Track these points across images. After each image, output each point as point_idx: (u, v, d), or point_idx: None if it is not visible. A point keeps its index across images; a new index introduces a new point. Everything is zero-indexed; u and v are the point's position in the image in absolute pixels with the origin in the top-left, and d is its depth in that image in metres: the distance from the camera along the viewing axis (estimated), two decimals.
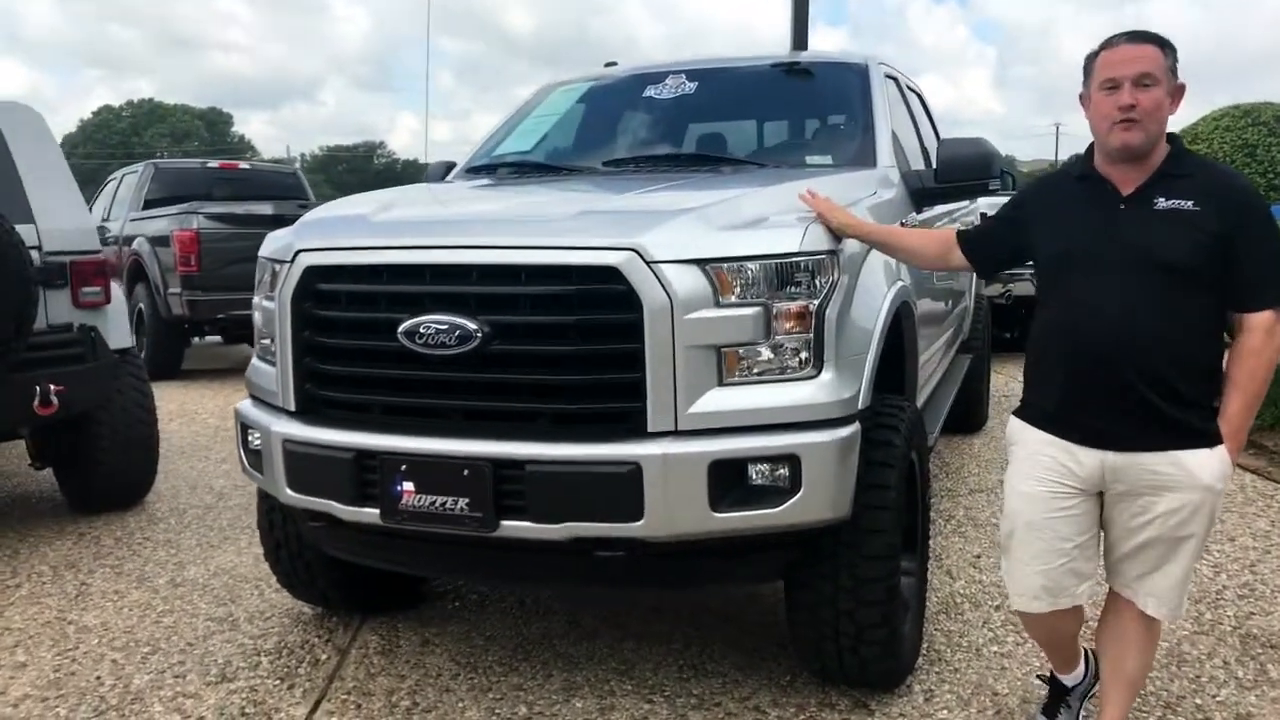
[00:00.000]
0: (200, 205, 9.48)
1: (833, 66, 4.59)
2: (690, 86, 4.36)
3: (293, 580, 3.60)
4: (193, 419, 7.75)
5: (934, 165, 3.98)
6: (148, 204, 10.41)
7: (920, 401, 3.94)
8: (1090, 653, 2.82)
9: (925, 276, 3.92)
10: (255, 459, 3.07)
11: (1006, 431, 2.62)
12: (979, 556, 4.25)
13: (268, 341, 3.06)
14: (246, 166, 12.56)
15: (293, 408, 2.91)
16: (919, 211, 4.02)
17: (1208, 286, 2.31)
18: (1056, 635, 2.69)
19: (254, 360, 3.24)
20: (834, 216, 2.79)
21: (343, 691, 3.15)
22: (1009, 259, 2.75)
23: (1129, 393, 2.32)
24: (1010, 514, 2.56)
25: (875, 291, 2.98)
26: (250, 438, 3.10)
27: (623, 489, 2.51)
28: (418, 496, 2.66)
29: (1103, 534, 2.53)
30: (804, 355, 2.63)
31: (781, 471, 2.57)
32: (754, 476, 2.58)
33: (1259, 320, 2.31)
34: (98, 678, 3.29)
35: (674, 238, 2.59)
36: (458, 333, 2.60)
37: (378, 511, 2.72)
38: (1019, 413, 2.59)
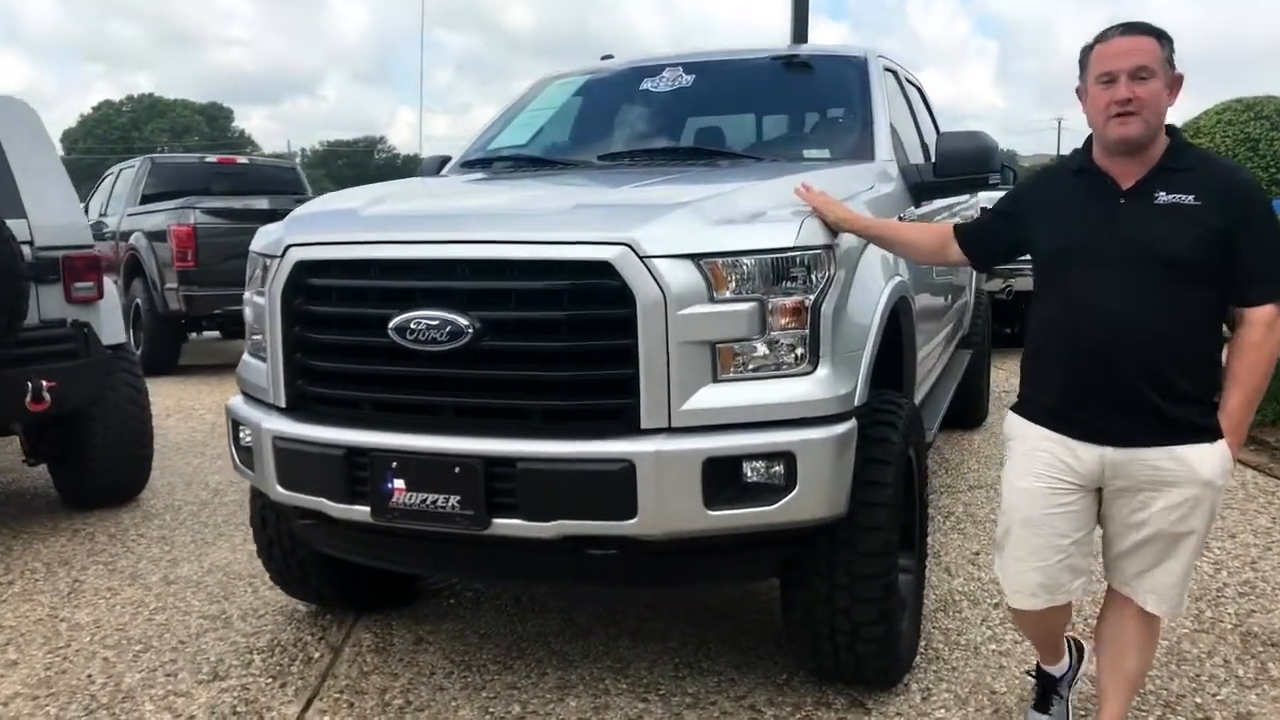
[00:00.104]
0: (197, 200, 9.44)
1: (831, 59, 4.55)
2: (687, 80, 4.32)
3: (286, 578, 3.57)
4: (190, 414, 7.73)
5: (933, 159, 3.94)
6: (145, 199, 10.39)
7: (919, 397, 3.91)
8: (1070, 640, 2.81)
9: (924, 271, 3.88)
10: (246, 456, 3.04)
11: (1004, 427, 2.60)
12: (978, 553, 4.22)
13: (259, 337, 3.03)
14: (244, 161, 12.48)
15: (283, 404, 2.89)
16: (917, 206, 3.99)
17: (1208, 281, 2.29)
18: (1047, 630, 2.68)
19: (245, 356, 3.21)
20: (830, 211, 2.76)
21: (335, 690, 3.13)
22: (1006, 253, 2.71)
23: (1129, 389, 2.30)
24: (1007, 509, 2.53)
25: (872, 286, 2.95)
26: (241, 434, 3.07)
27: (615, 487, 2.48)
28: (408, 494, 2.63)
29: (1101, 530, 2.50)
30: (799, 351, 2.60)
31: (776, 469, 2.54)
32: (749, 474, 2.55)
33: (1260, 314, 2.29)
34: (89, 676, 3.27)
35: (667, 232, 2.55)
36: (448, 328, 2.57)
37: (368, 509, 2.69)
38: (1017, 408, 2.56)
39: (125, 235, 10.12)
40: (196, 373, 9.89)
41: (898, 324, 3.17)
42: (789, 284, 2.60)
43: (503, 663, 3.28)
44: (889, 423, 2.86)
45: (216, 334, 10.49)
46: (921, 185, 3.95)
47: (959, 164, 3.81)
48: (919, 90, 5.43)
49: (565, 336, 2.56)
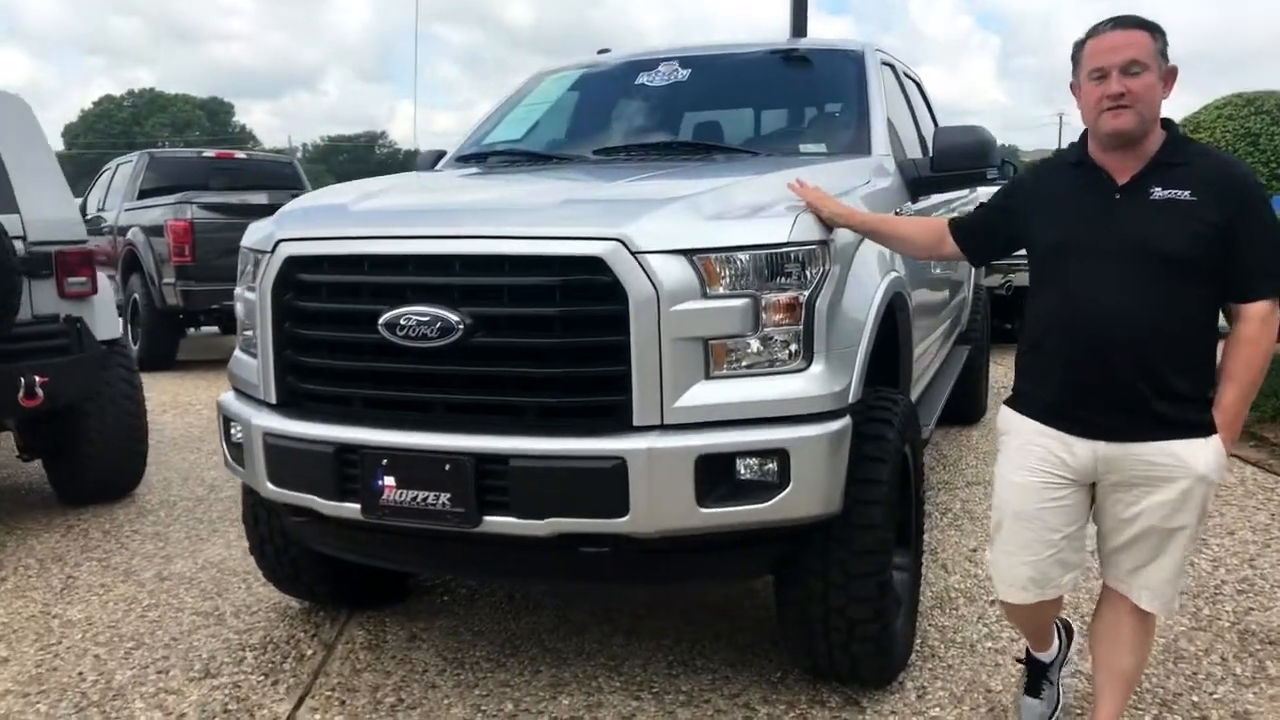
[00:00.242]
0: (195, 195, 9.42)
1: (828, 54, 4.51)
2: (683, 74, 4.29)
3: (278, 575, 3.55)
4: (186, 410, 7.70)
5: (931, 154, 3.92)
6: (142, 194, 10.35)
7: (916, 394, 3.89)
8: (1058, 624, 2.79)
9: (922, 266, 3.86)
10: (237, 452, 3.02)
11: (998, 421, 2.58)
12: (975, 550, 4.20)
13: (250, 333, 3.01)
14: (242, 156, 12.46)
15: (274, 400, 2.87)
16: (915, 201, 3.96)
17: (1205, 277, 2.27)
18: (1037, 623, 2.69)
19: (236, 352, 3.19)
20: (825, 206, 2.74)
21: (327, 688, 3.11)
22: (1002, 248, 2.69)
23: (1125, 384, 2.29)
24: (1000, 504, 2.52)
25: (868, 282, 2.92)
26: (232, 430, 3.05)
27: (607, 484, 2.46)
28: (399, 491, 2.61)
29: (1095, 526, 2.48)
30: (794, 347, 2.58)
31: (770, 466, 2.52)
32: (742, 471, 2.52)
33: (1255, 310, 2.28)
34: (80, 673, 3.25)
35: (660, 227, 2.53)
36: (439, 325, 2.55)
37: (359, 506, 2.67)
38: (1011, 402, 2.54)
39: (123, 230, 10.09)
40: (194, 368, 9.88)
41: (894, 320, 3.15)
42: (783, 280, 2.57)
43: (496, 660, 3.26)
44: (884, 420, 2.84)
45: (214, 329, 10.47)
46: (919, 180, 3.92)
47: (956, 159, 3.79)
48: (917, 85, 5.40)
49: (557, 333, 2.54)
